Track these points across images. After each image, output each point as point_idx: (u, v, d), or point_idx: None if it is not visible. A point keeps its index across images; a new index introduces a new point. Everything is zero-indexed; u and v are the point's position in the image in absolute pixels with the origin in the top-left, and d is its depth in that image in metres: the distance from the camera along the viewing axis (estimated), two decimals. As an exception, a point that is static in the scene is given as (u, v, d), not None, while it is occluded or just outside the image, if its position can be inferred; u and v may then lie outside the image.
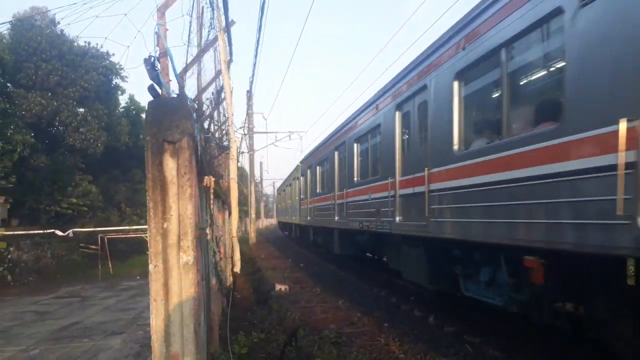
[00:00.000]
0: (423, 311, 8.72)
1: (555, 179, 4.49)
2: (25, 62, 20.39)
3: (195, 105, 6.88)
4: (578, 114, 4.30)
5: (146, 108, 3.34)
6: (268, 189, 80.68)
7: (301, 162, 23.05)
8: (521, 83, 5.69)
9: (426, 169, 7.39)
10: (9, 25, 20.90)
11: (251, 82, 28.05)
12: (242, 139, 29.26)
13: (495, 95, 6.13)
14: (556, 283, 5.18)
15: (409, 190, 8.33)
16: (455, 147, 6.64)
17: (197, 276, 3.30)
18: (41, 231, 18.32)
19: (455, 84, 6.63)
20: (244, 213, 38.31)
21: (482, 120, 6.67)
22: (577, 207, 4.23)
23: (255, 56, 20.47)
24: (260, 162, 66.86)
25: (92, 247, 19.22)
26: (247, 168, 35.05)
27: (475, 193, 5.93)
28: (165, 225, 3.21)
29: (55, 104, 20.79)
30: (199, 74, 6.92)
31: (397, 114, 8.89)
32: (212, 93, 6.48)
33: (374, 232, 10.37)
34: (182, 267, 3.21)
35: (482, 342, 6.68)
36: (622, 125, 3.68)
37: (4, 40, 20.78)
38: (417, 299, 9.80)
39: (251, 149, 31.46)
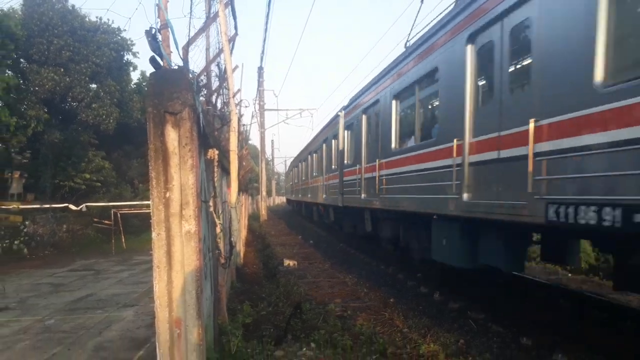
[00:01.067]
0: (429, 288, 8.78)
1: (432, 171, 7.58)
2: (37, 37, 20.47)
3: (204, 79, 6.88)
4: (440, 133, 7.40)
5: (148, 80, 3.36)
6: (280, 167, 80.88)
7: (314, 136, 21.98)
8: (423, 109, 8.71)
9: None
10: (21, 0, 20.94)
11: (261, 59, 27.85)
12: (252, 115, 29.25)
13: (412, 113, 8.96)
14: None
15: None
16: (393, 145, 9.63)
17: (199, 244, 3.36)
18: (55, 205, 18.67)
19: (394, 102, 9.55)
20: (255, 190, 38.55)
21: (407, 129, 9.40)
22: (443, 188, 7.10)
23: (265, 31, 20.34)
24: (272, 140, 66.72)
25: (106, 222, 19.56)
26: (258, 146, 35.14)
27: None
28: (167, 195, 3.25)
29: (67, 79, 20.92)
30: (207, 49, 6.89)
31: (364, 117, 11.82)
32: (218, 66, 6.46)
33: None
34: (184, 236, 3.26)
35: (485, 318, 6.73)
36: (455, 142, 6.71)
37: (17, 16, 20.83)
38: (423, 276, 9.86)
39: (262, 127, 31.45)
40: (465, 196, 6.55)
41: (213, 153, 4.50)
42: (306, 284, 9.41)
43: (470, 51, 6.50)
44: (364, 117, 11.92)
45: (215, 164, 4.60)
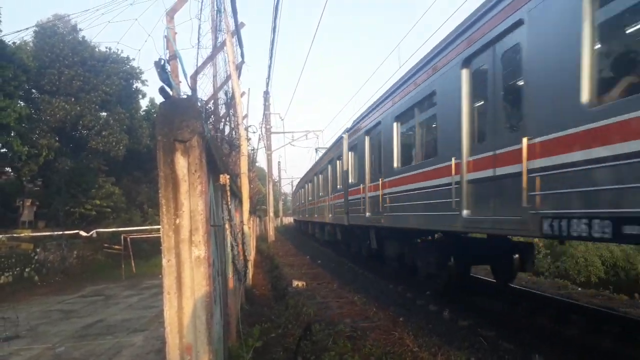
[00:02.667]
0: (438, 305, 8.74)
1: (433, 189, 8.02)
2: (48, 68, 21.03)
3: (211, 106, 7.05)
4: (441, 153, 7.77)
5: (157, 109, 3.48)
6: (286, 188, 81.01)
7: (320, 157, 22.54)
8: (422, 130, 9.15)
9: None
10: (32, 33, 21.58)
11: (267, 83, 28.26)
12: (259, 139, 29.54)
13: (412, 134, 9.54)
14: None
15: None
16: (395, 164, 10.14)
17: (209, 270, 3.43)
18: (66, 232, 18.87)
19: (395, 124, 10.11)
20: (262, 212, 38.64)
21: (408, 148, 9.97)
22: (444, 205, 7.50)
23: (270, 57, 20.66)
24: (279, 162, 67.03)
25: (116, 247, 19.71)
26: (265, 167, 35.39)
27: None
28: (177, 221, 3.34)
29: (78, 108, 21.40)
30: (214, 76, 7.08)
31: (367, 138, 12.58)
32: (225, 94, 6.63)
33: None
34: (194, 261, 3.33)
35: (496, 335, 6.69)
36: (453, 161, 7.10)
37: (28, 48, 21.43)
38: (432, 294, 9.81)
39: (269, 149, 31.71)
40: (464, 212, 6.86)
41: (225, 178, 4.61)
42: (315, 304, 9.40)
43: (465, 75, 6.86)
44: (367, 138, 12.53)
45: (227, 188, 4.70)
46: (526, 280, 11.73)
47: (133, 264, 18.94)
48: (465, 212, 6.83)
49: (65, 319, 10.97)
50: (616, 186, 4.06)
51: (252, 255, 8.88)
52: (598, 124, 4.24)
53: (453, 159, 7.05)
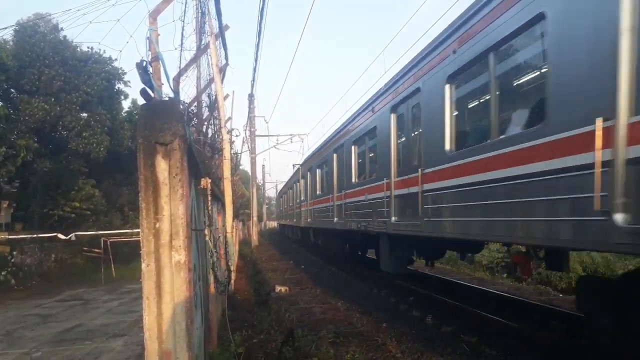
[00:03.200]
0: (421, 311, 8.76)
1: (374, 200, 10.11)
2: (28, 68, 20.62)
3: (194, 109, 6.97)
4: (379, 173, 9.79)
5: (139, 111, 3.42)
6: (270, 192, 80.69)
7: (301, 164, 23.24)
8: (370, 154, 11.07)
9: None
10: (12, 32, 21.15)
11: (252, 86, 28.16)
12: (243, 142, 29.38)
13: (364, 156, 11.55)
14: None
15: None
16: (353, 179, 12.12)
17: (189, 275, 3.37)
18: (44, 235, 18.47)
19: (353, 147, 11.97)
20: (246, 216, 38.38)
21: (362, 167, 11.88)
22: (381, 212, 9.63)
23: (256, 60, 20.58)
24: (263, 165, 66.76)
25: (95, 250, 19.37)
26: (249, 171, 35.18)
27: None
28: (157, 225, 3.28)
29: (58, 109, 21.00)
30: (198, 79, 7.00)
31: (335, 155, 14.27)
32: (208, 96, 6.57)
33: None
34: (174, 266, 3.28)
35: (478, 341, 6.72)
36: (385, 181, 9.31)
37: (8, 47, 21.00)
38: (415, 299, 9.84)
39: (253, 152, 31.55)
40: (393, 219, 8.92)
41: (206, 182, 4.55)
42: (298, 310, 9.34)
43: (392, 118, 9.07)
44: (334, 156, 14.57)
45: (209, 192, 4.64)
46: (508, 286, 11.86)
47: (113, 268, 18.62)
48: (393, 219, 8.86)
49: (42, 323, 10.72)
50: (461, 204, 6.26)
51: (235, 262, 8.79)
52: (455, 164, 6.47)
53: (385, 179, 9.24)
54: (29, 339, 9.22)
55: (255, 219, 33.12)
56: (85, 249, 20.38)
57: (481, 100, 6.92)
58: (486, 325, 7.53)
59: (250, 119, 30.91)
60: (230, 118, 9.77)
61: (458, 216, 6.42)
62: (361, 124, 11.17)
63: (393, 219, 8.91)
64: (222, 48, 5.84)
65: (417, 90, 7.71)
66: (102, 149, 22.37)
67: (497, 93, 5.80)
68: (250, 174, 34.46)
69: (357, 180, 12.06)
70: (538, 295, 10.44)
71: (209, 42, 4.67)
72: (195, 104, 6.27)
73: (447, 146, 6.73)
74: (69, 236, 18.35)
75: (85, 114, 22.71)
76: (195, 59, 4.96)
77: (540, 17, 4.76)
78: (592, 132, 3.92)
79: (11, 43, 21.50)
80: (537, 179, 4.68)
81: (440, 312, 8.55)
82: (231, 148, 9.52)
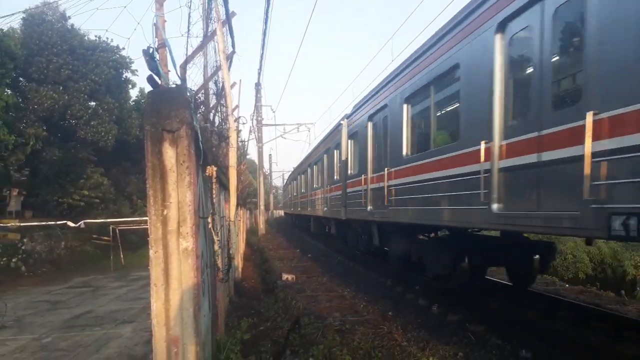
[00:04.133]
0: (427, 300, 8.77)
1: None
2: (36, 56, 20.67)
3: (201, 97, 6.95)
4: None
5: (146, 98, 3.42)
6: (277, 181, 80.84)
7: (314, 148, 21.79)
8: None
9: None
10: (20, 20, 21.19)
11: (259, 75, 28.05)
12: (250, 131, 29.36)
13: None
14: None
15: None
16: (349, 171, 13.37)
17: (197, 262, 3.39)
18: (53, 222, 18.66)
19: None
20: (253, 205, 38.54)
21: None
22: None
23: (262, 47, 20.50)
24: (270, 154, 66.83)
25: (104, 238, 19.54)
26: (256, 160, 35.23)
27: None
28: (165, 212, 3.29)
29: (66, 97, 21.07)
30: (205, 66, 6.97)
31: (369, 124, 11.76)
32: (216, 84, 6.55)
33: None
34: (181, 253, 3.29)
35: (484, 330, 6.72)
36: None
37: (16, 35, 21.05)
38: (422, 289, 9.85)
39: (260, 141, 31.56)
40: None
41: (211, 170, 4.55)
42: (304, 298, 9.40)
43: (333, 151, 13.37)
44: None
45: (214, 180, 4.64)
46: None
47: (122, 255, 18.79)
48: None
49: (52, 309, 10.85)
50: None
51: (241, 250, 8.82)
52: (411, 165, 8.50)
53: (363, 175, 10.78)
54: (39, 324, 9.34)
55: (262, 207, 33.22)
56: (94, 236, 20.58)
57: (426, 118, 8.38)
58: (491, 314, 7.53)
59: (257, 108, 30.86)
60: (237, 106, 9.71)
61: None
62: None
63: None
64: (229, 35, 5.81)
65: (385, 105, 9.88)
66: (110, 137, 22.47)
67: (436, 114, 7.96)
68: (257, 163, 34.50)
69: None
70: (544, 286, 10.41)
71: (215, 29, 4.64)
72: (203, 91, 6.26)
73: (404, 151, 8.80)
74: (78, 224, 18.52)
75: (93, 103, 22.78)
76: (202, 46, 4.94)
77: (456, 67, 6.82)
78: (479, 150, 6.00)
79: (19, 32, 21.55)
80: (449, 180, 7.02)
81: (445, 301, 8.56)
82: (238, 136, 9.51)
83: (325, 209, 17.58)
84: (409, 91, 8.60)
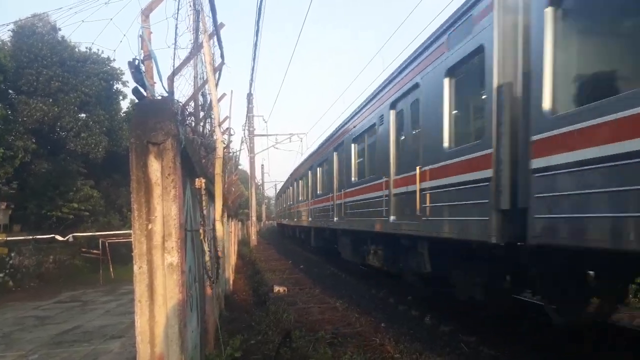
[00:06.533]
0: (420, 311, 8.72)
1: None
2: (26, 68, 20.52)
3: (191, 108, 6.92)
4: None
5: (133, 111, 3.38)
6: (270, 191, 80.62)
7: (297, 167, 23.49)
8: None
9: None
10: (10, 32, 21.06)
11: (250, 85, 28.11)
12: (241, 141, 29.33)
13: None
14: None
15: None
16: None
17: (182, 277, 3.32)
18: (41, 236, 18.41)
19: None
20: (245, 216, 38.35)
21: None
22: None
23: (254, 59, 20.57)
24: (262, 165, 66.70)
25: (94, 251, 19.31)
26: (248, 171, 35.13)
27: None
28: (149, 227, 3.23)
29: (56, 109, 20.90)
30: (195, 77, 6.95)
31: (335, 154, 14.60)
32: (203, 96, 6.52)
33: None
34: (166, 268, 3.22)
35: (477, 341, 6.68)
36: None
37: (6, 47, 20.93)
38: (414, 300, 9.80)
39: (252, 152, 31.52)
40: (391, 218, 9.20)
41: (200, 182, 4.50)
42: (296, 310, 9.30)
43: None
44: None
45: (203, 192, 4.59)
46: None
47: (111, 269, 18.56)
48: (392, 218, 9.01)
49: (40, 325, 10.65)
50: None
51: (232, 262, 8.72)
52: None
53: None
54: (27, 341, 9.16)
55: (254, 219, 33.07)
56: (83, 250, 20.32)
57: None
58: (484, 325, 7.49)
59: (249, 118, 30.88)
60: (227, 117, 9.69)
61: None
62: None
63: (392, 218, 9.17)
64: (218, 46, 5.80)
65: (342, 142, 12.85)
66: (100, 149, 22.29)
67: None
68: (249, 173, 34.42)
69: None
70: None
71: (202, 41, 4.62)
72: (192, 103, 6.22)
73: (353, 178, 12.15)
74: (67, 237, 18.28)
75: (83, 115, 22.63)
76: (189, 58, 4.92)
77: (374, 125, 9.70)
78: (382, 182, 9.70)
79: (9, 44, 21.42)
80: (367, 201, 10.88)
81: (438, 312, 8.51)
82: (228, 147, 9.47)
83: (310, 219, 20.63)
84: (354, 135, 12.27)
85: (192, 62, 6.06)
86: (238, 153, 22.31)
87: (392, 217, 9.05)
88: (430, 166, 7.24)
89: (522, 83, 5.09)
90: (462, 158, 6.23)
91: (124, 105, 27.04)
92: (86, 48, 23.30)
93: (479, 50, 5.73)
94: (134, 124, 3.34)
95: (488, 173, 5.46)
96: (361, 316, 8.69)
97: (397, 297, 10.13)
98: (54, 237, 18.05)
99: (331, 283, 13.10)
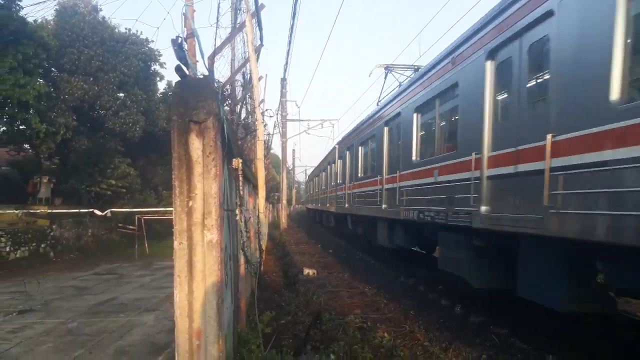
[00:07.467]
0: (450, 300, 8.62)
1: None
2: (68, 47, 21.08)
3: (228, 89, 6.96)
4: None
5: (173, 88, 3.40)
6: (300, 176, 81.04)
7: (338, 143, 21.58)
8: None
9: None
10: (53, 12, 21.63)
11: (285, 70, 28.08)
12: (274, 125, 29.44)
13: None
14: None
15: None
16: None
17: (221, 254, 3.36)
18: (81, 210, 19.08)
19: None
20: (276, 199, 38.70)
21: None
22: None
23: (289, 43, 20.47)
24: (293, 150, 66.94)
25: (130, 227, 19.87)
26: (279, 155, 35.33)
27: None
28: (190, 204, 3.27)
29: (96, 88, 21.46)
30: (232, 59, 6.97)
31: (386, 130, 12.42)
32: (243, 76, 6.53)
33: None
34: (206, 245, 3.27)
35: (509, 333, 6.56)
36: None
37: (49, 26, 21.52)
38: (444, 289, 9.69)
39: (284, 136, 31.63)
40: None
41: (237, 162, 4.52)
42: (325, 293, 9.35)
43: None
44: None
45: (240, 173, 4.62)
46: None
47: (146, 245, 19.09)
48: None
49: (78, 295, 11.08)
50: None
51: (263, 244, 8.81)
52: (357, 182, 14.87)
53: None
54: (65, 309, 9.54)
55: (284, 202, 33.34)
56: (120, 225, 20.96)
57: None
58: (517, 316, 7.34)
59: (282, 103, 30.92)
60: (263, 100, 9.73)
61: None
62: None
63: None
64: (258, 28, 5.78)
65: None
66: (137, 128, 22.82)
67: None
68: (280, 157, 34.60)
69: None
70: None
71: (244, 20, 4.60)
72: (230, 84, 6.25)
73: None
74: (105, 212, 18.89)
75: (122, 94, 23.16)
76: (230, 38, 4.91)
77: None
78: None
79: (52, 23, 22.02)
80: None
81: (469, 302, 8.39)
82: (264, 130, 9.51)
83: (346, 205, 18.10)
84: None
85: (229, 44, 6.07)
86: (271, 137, 22.40)
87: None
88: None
89: None
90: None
91: (161, 86, 27.53)
92: (126, 29, 23.77)
93: None
94: (176, 101, 3.36)
95: None
96: (390, 302, 8.67)
97: (427, 286, 10.03)
98: (92, 211, 18.68)
99: (360, 267, 13.11)
